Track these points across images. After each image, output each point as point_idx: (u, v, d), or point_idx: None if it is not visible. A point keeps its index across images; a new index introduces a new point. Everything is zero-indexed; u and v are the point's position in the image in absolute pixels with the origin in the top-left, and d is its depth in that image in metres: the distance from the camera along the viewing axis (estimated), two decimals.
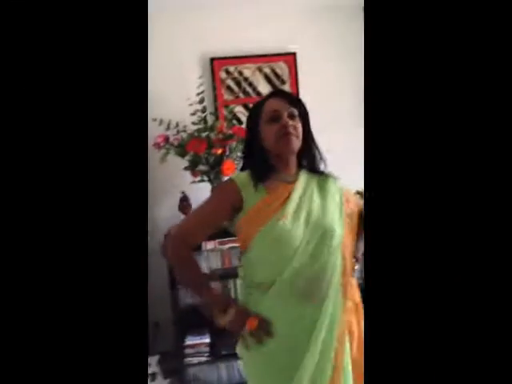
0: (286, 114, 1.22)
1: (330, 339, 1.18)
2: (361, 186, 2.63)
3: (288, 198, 1.20)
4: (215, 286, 2.48)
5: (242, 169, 1.31)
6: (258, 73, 2.79)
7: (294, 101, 1.27)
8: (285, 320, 1.17)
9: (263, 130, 1.24)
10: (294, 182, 1.25)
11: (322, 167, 1.32)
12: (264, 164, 1.24)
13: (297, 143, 1.23)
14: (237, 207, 1.19)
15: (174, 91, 2.65)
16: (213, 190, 1.32)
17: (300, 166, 1.30)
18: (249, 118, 1.33)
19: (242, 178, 1.22)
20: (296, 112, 1.25)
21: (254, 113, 1.29)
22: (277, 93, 1.31)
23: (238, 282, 1.33)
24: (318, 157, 1.31)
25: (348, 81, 2.86)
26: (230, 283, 2.47)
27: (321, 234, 1.19)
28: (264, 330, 1.16)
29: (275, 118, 1.22)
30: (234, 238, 2.45)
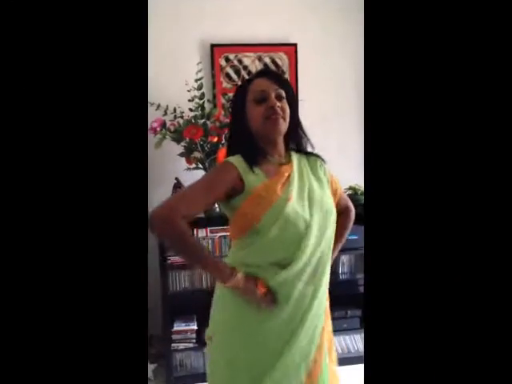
0: (273, 95, 1.19)
1: (319, 321, 1.20)
2: (357, 179, 2.65)
3: (288, 179, 1.19)
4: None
5: (229, 152, 1.27)
6: (257, 62, 2.77)
7: (282, 81, 1.24)
8: (291, 299, 1.15)
9: (249, 111, 1.21)
10: (286, 163, 1.24)
11: (308, 149, 1.31)
12: (253, 147, 1.21)
13: (284, 125, 1.21)
14: (237, 189, 1.15)
15: (173, 76, 2.62)
16: (211, 170, 1.23)
17: (287, 148, 1.29)
18: (234, 98, 1.28)
19: (239, 161, 1.18)
20: (283, 93, 1.21)
21: (240, 93, 1.24)
22: (264, 72, 1.28)
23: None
24: (304, 139, 1.30)
25: (348, 74, 2.85)
26: None
27: (324, 214, 1.19)
28: (271, 296, 1.14)
29: (262, 98, 1.18)
30: (225, 227, 2.45)
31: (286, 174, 1.20)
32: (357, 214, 1.51)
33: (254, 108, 1.20)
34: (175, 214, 1.09)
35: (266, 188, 1.15)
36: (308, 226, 1.15)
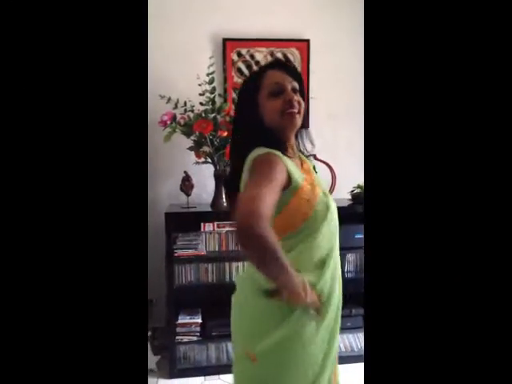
0: (289, 88, 1.14)
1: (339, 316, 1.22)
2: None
3: (313, 177, 1.16)
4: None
5: (241, 146, 1.16)
6: (269, 57, 2.76)
7: (296, 74, 1.19)
8: (332, 299, 1.14)
9: (264, 104, 1.14)
10: (301, 160, 1.21)
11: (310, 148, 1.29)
12: (277, 140, 1.14)
13: (299, 120, 1.16)
14: (286, 184, 1.06)
15: (185, 70, 2.62)
16: (259, 164, 1.05)
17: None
18: (245, 90, 1.20)
19: (278, 153, 1.07)
20: (298, 86, 1.17)
21: (252, 84, 1.16)
22: (277, 64, 1.21)
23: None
24: (311, 136, 1.28)
25: (359, 72, 2.83)
26: (226, 266, 2.48)
27: (334, 211, 1.18)
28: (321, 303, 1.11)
29: (278, 91, 1.13)
30: (232, 222, 2.46)
31: (310, 172, 1.17)
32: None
33: (269, 101, 1.13)
34: (264, 225, 0.91)
35: (309, 182, 1.10)
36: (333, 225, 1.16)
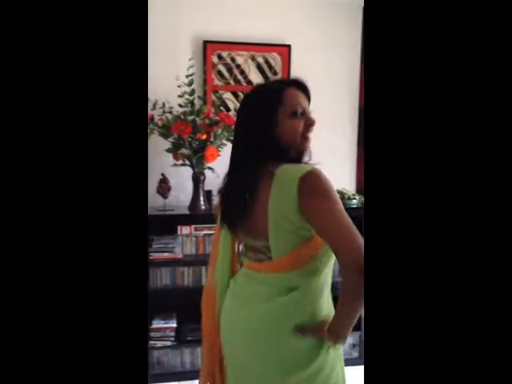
0: (307, 110, 1.18)
1: None
2: (348, 183, 2.63)
3: None
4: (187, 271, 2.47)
5: (255, 160, 1.15)
6: (250, 61, 2.75)
7: (309, 96, 1.21)
8: None
9: (283, 123, 1.14)
10: None
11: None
12: (297, 158, 1.17)
13: None
14: None
15: (164, 70, 2.60)
16: (320, 184, 1.07)
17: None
18: (262, 103, 1.16)
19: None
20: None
21: (272, 100, 1.14)
22: (297, 83, 1.20)
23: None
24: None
25: (341, 77, 2.86)
26: (202, 270, 2.46)
27: None
28: None
29: (300, 113, 1.15)
30: (210, 226, 2.44)
31: None
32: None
33: (290, 120, 1.14)
34: None
35: None
36: None
